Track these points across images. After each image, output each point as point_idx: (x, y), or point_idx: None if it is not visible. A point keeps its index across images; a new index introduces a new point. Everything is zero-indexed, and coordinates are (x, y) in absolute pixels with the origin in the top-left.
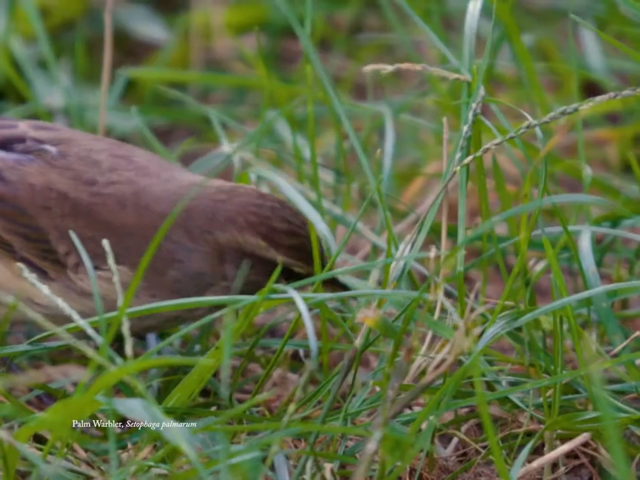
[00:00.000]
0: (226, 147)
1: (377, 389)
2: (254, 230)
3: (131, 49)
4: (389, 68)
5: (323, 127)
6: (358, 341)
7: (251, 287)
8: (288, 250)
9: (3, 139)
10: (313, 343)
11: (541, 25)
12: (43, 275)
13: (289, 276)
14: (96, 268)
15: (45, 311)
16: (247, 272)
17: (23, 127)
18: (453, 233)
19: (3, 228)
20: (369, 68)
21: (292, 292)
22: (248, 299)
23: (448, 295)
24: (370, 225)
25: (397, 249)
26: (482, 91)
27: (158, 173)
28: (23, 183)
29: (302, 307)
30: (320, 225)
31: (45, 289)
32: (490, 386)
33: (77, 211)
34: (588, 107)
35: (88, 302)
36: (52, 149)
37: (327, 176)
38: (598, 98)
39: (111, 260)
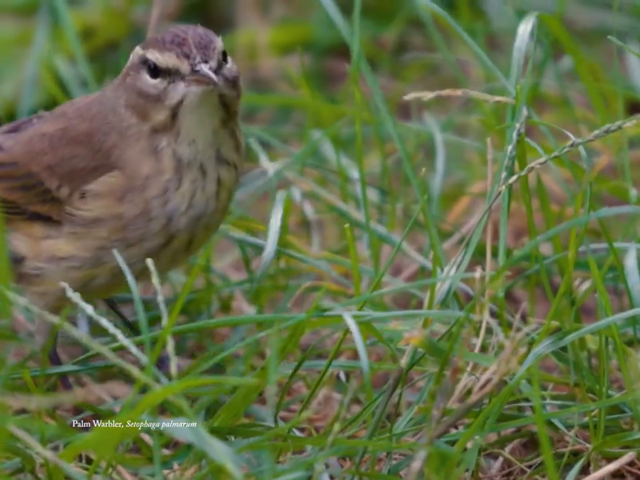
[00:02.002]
0: (267, 166)
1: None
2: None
3: None
4: (429, 95)
5: (366, 146)
6: (404, 361)
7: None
8: (152, 42)
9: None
10: (365, 363)
11: (586, 45)
12: (52, 224)
13: (154, 73)
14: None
15: (72, 264)
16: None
17: None
18: (498, 253)
19: (4, 189)
20: (410, 96)
21: (341, 311)
22: (295, 317)
23: (493, 314)
24: (415, 245)
25: (442, 269)
26: (525, 112)
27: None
28: (18, 143)
29: (353, 326)
30: None
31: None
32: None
33: (52, 141)
34: (632, 124)
35: (96, 230)
36: (45, 113)
37: (371, 195)
38: None
39: None
